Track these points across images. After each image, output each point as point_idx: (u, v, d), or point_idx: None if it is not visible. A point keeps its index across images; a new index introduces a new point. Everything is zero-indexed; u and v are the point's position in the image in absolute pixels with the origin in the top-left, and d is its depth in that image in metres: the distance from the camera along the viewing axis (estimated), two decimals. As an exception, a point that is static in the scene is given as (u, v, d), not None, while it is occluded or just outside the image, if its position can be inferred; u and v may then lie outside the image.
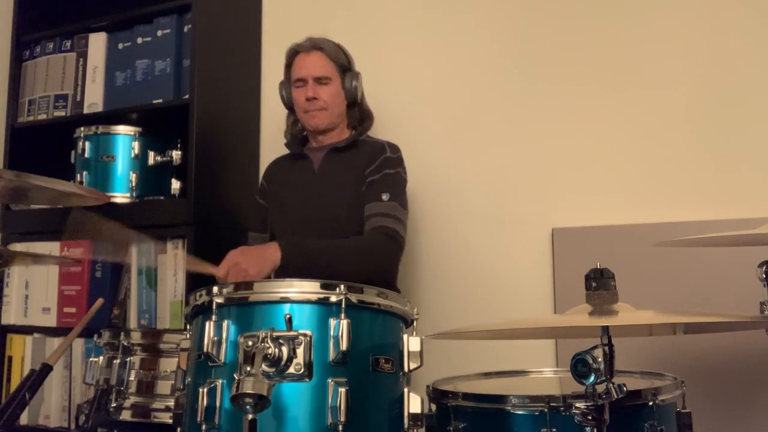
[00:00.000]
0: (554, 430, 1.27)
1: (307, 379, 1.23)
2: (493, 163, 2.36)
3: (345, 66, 2.15)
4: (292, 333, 1.22)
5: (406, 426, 1.33)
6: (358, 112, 2.20)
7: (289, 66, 2.18)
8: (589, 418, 1.16)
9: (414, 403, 1.34)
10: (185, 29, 2.49)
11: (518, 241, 2.30)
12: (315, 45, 2.12)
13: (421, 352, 1.37)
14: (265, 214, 2.20)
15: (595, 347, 1.17)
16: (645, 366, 1.58)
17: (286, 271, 1.88)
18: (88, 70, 2.65)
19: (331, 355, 1.25)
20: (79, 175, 2.50)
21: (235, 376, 1.14)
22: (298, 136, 2.24)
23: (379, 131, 2.14)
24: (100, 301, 1.96)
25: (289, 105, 2.21)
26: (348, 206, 2.04)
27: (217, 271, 1.82)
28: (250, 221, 2.26)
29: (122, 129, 2.50)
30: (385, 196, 2.01)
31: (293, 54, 2.15)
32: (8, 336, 2.62)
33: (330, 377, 1.24)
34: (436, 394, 1.44)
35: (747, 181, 2.08)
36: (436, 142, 2.44)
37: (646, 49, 2.22)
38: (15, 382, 2.56)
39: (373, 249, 1.95)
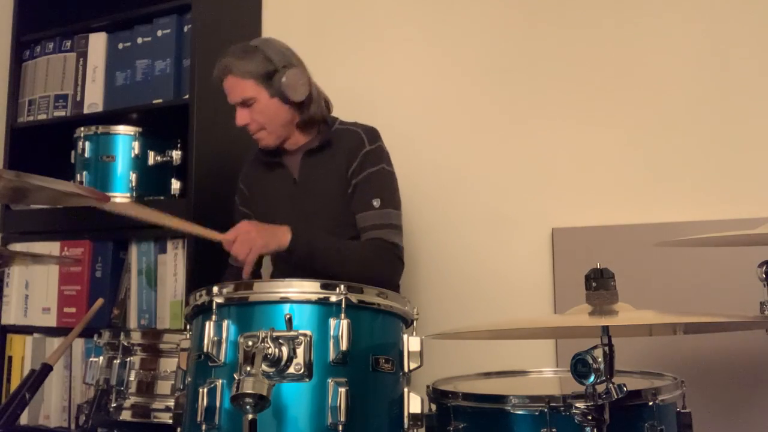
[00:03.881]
0: (554, 430, 1.27)
1: (307, 379, 1.23)
2: (493, 162, 2.36)
3: (267, 72, 1.96)
4: (292, 333, 1.22)
5: (406, 426, 1.33)
6: (311, 107, 2.02)
7: None
8: (589, 418, 1.17)
9: (414, 403, 1.34)
10: (185, 29, 2.49)
11: (518, 241, 2.30)
12: (225, 70, 1.99)
13: (421, 352, 1.37)
14: None
15: (595, 347, 1.17)
16: (645, 366, 1.58)
17: (285, 261, 1.87)
18: (88, 70, 2.65)
19: (331, 355, 1.25)
20: (79, 175, 2.50)
21: (235, 376, 1.14)
22: None
23: (380, 129, 2.12)
24: (100, 301, 1.97)
25: None
26: (336, 218, 1.98)
27: (226, 236, 1.84)
28: None
29: (122, 129, 2.49)
30: (375, 202, 1.94)
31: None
32: (8, 336, 2.62)
33: (330, 377, 1.24)
34: (436, 394, 1.43)
35: (747, 181, 2.08)
36: (435, 141, 2.44)
37: (646, 49, 2.22)
38: (15, 382, 2.56)
39: (376, 261, 1.91)
